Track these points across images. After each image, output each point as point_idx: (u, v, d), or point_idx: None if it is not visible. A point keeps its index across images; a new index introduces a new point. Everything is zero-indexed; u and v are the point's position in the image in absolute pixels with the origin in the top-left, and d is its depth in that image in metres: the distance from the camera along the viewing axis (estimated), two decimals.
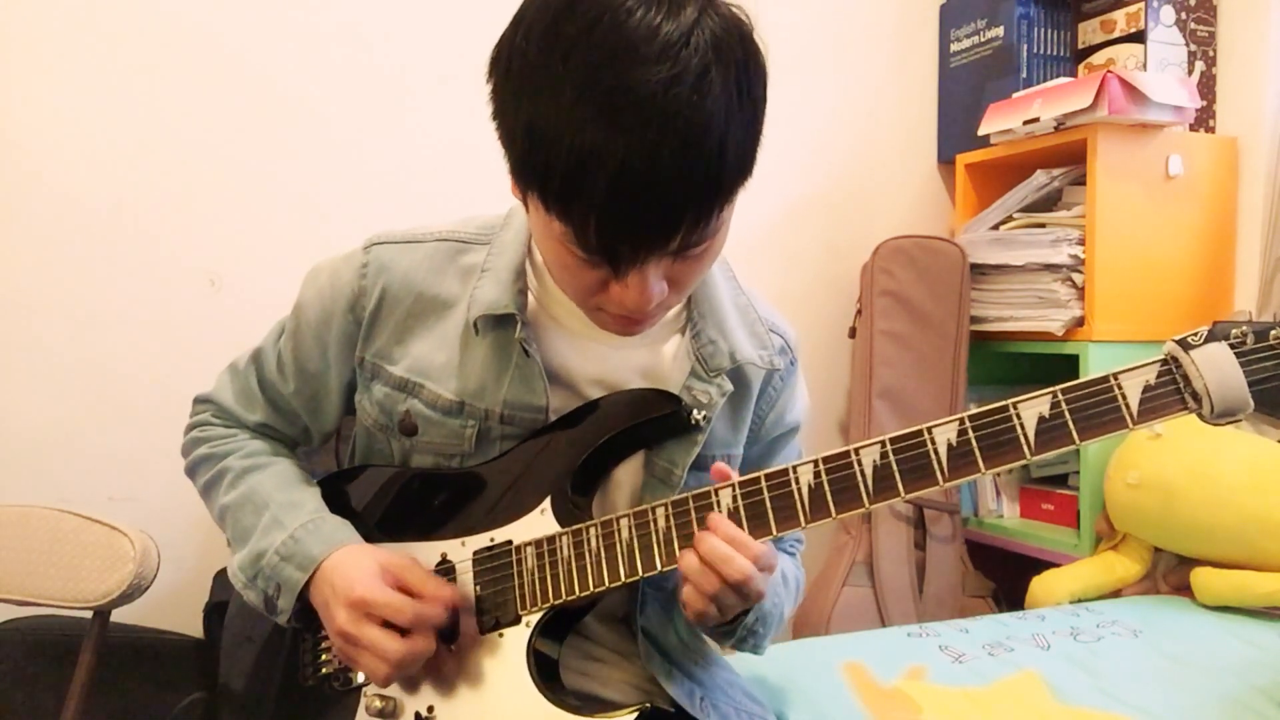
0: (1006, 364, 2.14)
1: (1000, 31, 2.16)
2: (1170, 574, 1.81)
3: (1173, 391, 0.76)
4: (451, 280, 0.96)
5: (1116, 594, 1.82)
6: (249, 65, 1.77)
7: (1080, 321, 1.92)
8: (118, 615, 1.26)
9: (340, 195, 1.83)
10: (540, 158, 0.74)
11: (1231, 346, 0.75)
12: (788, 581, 1.04)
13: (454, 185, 1.88)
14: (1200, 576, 1.68)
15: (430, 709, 0.91)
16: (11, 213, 1.65)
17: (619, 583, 0.86)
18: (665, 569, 0.85)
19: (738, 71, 0.73)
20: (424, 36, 1.89)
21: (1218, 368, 0.74)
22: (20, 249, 1.65)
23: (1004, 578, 2.13)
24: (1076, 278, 1.93)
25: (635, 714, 0.85)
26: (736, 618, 0.92)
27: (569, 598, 0.88)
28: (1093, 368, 1.78)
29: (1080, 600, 1.79)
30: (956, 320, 2.07)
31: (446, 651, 0.91)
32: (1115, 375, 0.77)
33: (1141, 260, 1.94)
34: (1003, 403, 0.79)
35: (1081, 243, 1.92)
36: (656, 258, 0.77)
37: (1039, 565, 1.95)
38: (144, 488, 1.70)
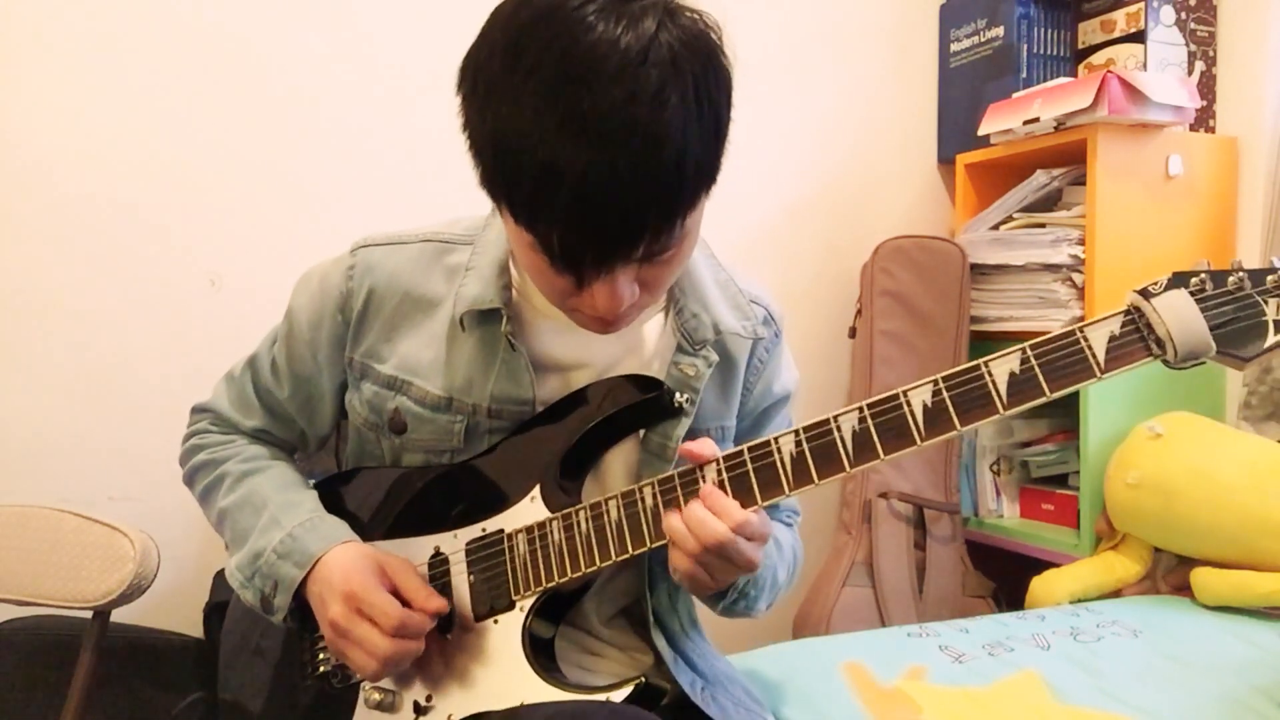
0: None
1: (1000, 31, 2.16)
2: (1170, 574, 1.81)
3: (1137, 339, 0.78)
4: (437, 279, 0.97)
5: (1116, 594, 1.82)
6: (250, 64, 1.77)
7: (1080, 321, 1.92)
8: (118, 615, 1.26)
9: (341, 195, 1.83)
10: (505, 172, 0.76)
11: (1191, 293, 0.78)
12: (782, 547, 1.05)
13: (455, 186, 1.86)
14: (1200, 576, 1.68)
15: (428, 698, 0.92)
16: (11, 212, 1.65)
17: (610, 562, 0.88)
18: (654, 545, 0.87)
19: (695, 84, 0.75)
20: (426, 37, 1.88)
21: (1179, 314, 0.77)
22: (20, 249, 1.65)
23: (1004, 578, 2.13)
24: (1076, 278, 1.93)
25: (630, 688, 0.86)
26: None
27: (561, 580, 0.89)
28: None
29: (1080, 600, 1.79)
30: (956, 320, 2.07)
31: (443, 640, 0.92)
32: (1080, 328, 0.80)
33: (1141, 260, 1.94)
34: (974, 362, 0.81)
35: (1081, 243, 1.92)
36: (622, 265, 0.79)
37: (1039, 565, 1.95)
38: (144, 488, 1.70)
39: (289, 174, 1.80)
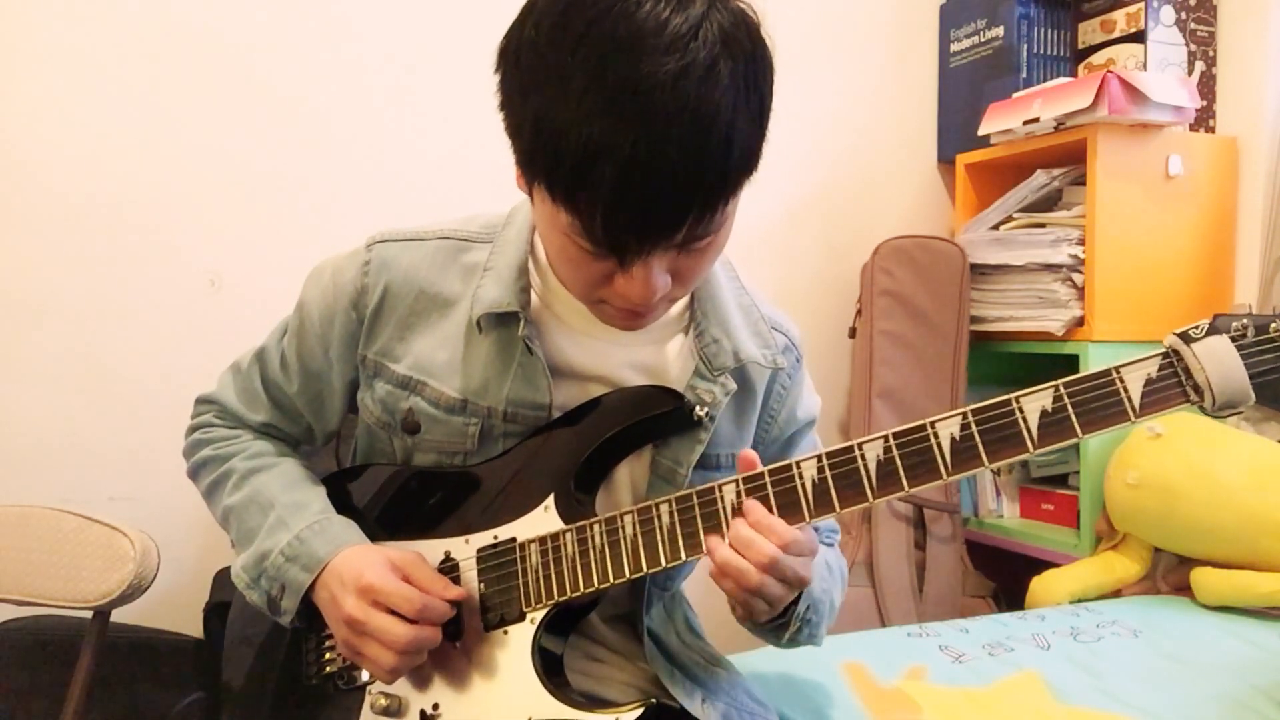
0: (1006, 364, 2.14)
1: (1000, 31, 2.16)
2: (1170, 574, 1.81)
3: (1174, 384, 0.76)
4: (454, 278, 0.96)
5: (1116, 594, 1.82)
6: (250, 64, 1.77)
7: (1080, 321, 1.92)
8: (118, 615, 1.26)
9: (340, 195, 1.83)
10: (548, 149, 0.74)
11: (1232, 339, 0.76)
12: (833, 570, 1.04)
13: (455, 186, 1.88)
14: (1200, 576, 1.68)
15: (435, 706, 0.91)
16: (11, 212, 1.64)
17: (624, 579, 0.86)
18: (670, 565, 0.85)
19: (745, 65, 0.74)
20: (426, 36, 1.89)
21: (1219, 360, 0.75)
22: (20, 249, 1.65)
23: (1004, 578, 2.13)
24: (1076, 278, 1.93)
25: (640, 709, 0.85)
26: (787, 609, 0.91)
27: (573, 594, 0.88)
28: (1093, 368, 1.78)
29: (1080, 600, 1.79)
30: (956, 320, 2.07)
31: (451, 649, 0.91)
32: (1117, 368, 0.77)
33: (1141, 260, 1.94)
34: (1005, 396, 0.79)
35: (1081, 243, 1.92)
36: (661, 250, 0.78)
37: (1039, 565, 1.95)
38: (144, 488, 1.70)
39: (288, 174, 1.80)
